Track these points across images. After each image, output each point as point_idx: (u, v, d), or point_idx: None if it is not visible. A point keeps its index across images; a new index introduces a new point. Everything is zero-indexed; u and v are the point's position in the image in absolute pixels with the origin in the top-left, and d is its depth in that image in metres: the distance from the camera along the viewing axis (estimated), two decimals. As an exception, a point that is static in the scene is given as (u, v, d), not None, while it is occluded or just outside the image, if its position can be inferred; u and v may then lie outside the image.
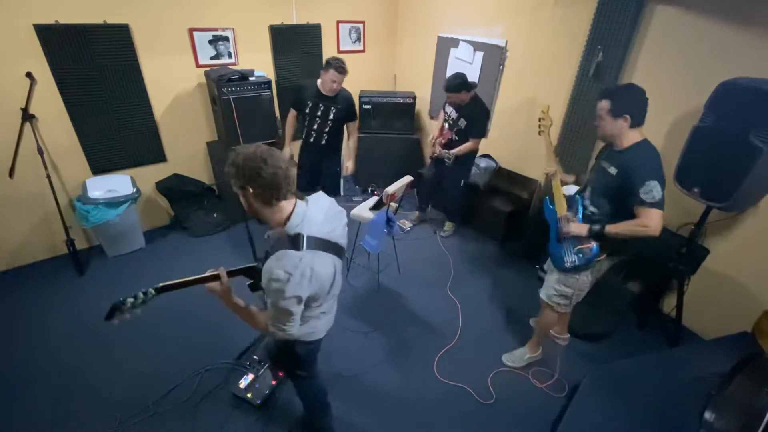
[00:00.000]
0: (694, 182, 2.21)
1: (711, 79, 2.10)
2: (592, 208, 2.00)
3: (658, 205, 1.71)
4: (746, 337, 2.28)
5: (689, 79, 2.44)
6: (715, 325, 2.60)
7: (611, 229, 1.85)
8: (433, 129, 3.54)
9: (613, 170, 1.87)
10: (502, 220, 3.59)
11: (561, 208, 2.09)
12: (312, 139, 3.17)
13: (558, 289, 2.15)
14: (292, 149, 3.30)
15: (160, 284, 1.33)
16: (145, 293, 1.30)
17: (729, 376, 1.87)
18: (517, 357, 2.50)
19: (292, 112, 3.21)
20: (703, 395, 1.84)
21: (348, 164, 3.35)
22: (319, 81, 2.99)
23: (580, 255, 1.96)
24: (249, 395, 2.15)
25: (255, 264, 1.47)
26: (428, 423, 2.14)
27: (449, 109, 3.35)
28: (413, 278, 3.24)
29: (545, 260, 2.34)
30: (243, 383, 2.20)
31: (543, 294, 2.25)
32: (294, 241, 1.26)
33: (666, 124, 2.61)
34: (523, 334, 2.70)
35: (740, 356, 1.96)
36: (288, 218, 1.30)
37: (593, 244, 1.92)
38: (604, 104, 1.83)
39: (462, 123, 3.26)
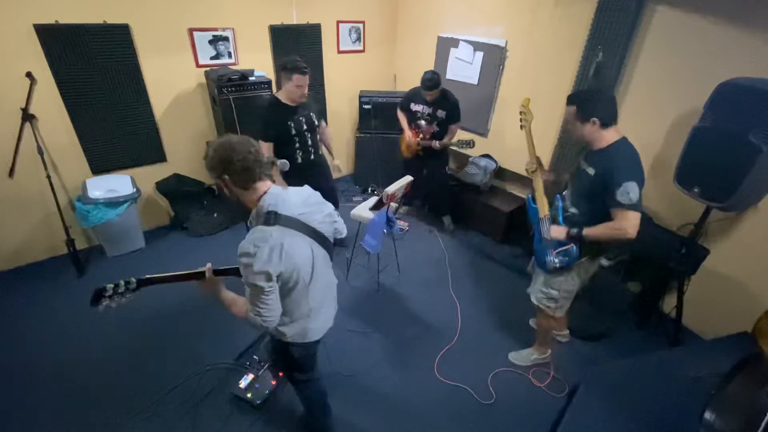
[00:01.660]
0: (694, 182, 2.20)
1: (711, 79, 2.10)
2: (572, 209, 1.97)
3: (635, 207, 1.67)
4: (746, 337, 2.28)
5: (689, 79, 2.44)
6: (715, 325, 2.60)
7: (589, 232, 1.82)
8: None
9: (591, 171, 1.83)
10: (502, 220, 3.60)
11: (543, 208, 2.05)
12: (312, 156, 2.82)
13: (545, 291, 2.14)
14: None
15: (146, 276, 1.37)
16: (127, 282, 1.34)
17: (729, 376, 1.87)
18: (524, 356, 2.50)
19: (269, 146, 2.58)
20: (703, 395, 1.84)
21: (336, 163, 3.00)
22: (280, 94, 2.56)
23: (561, 257, 1.94)
24: (249, 395, 2.15)
25: None
26: (428, 423, 2.14)
27: (419, 107, 3.45)
28: (413, 278, 3.24)
29: (531, 257, 2.34)
30: (243, 383, 2.20)
31: (533, 297, 2.25)
32: (266, 218, 1.30)
33: (666, 124, 2.61)
34: (523, 333, 2.70)
35: (740, 356, 1.96)
36: (261, 197, 1.34)
37: (573, 246, 1.90)
38: (570, 110, 1.81)
39: (441, 114, 3.38)
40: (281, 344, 1.55)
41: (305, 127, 2.68)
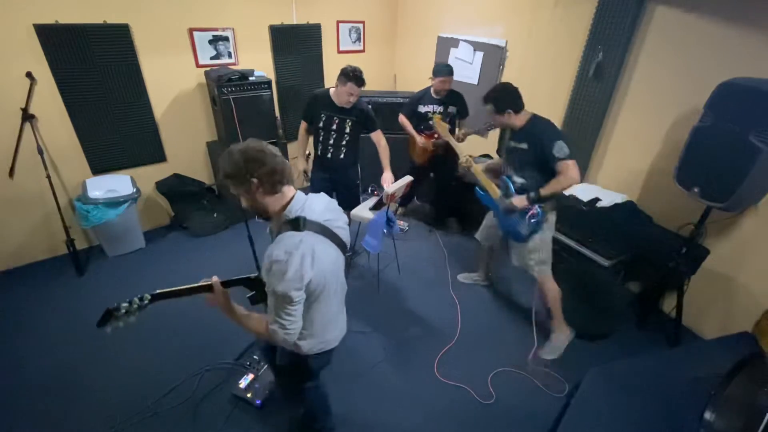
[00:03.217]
0: (694, 182, 2.20)
1: (711, 79, 2.10)
2: (519, 180, 2.31)
3: (570, 156, 2.06)
4: (746, 337, 2.28)
5: (689, 79, 2.44)
6: (715, 325, 2.60)
7: (544, 191, 2.16)
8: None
9: (524, 146, 2.22)
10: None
11: (494, 191, 2.43)
12: (330, 155, 2.88)
13: (533, 257, 2.37)
14: (306, 164, 3.05)
15: (158, 291, 1.31)
16: (140, 299, 1.28)
17: (729, 376, 1.87)
18: (555, 347, 2.52)
19: (304, 125, 2.91)
20: (703, 395, 1.84)
21: (386, 175, 2.89)
22: (332, 91, 2.72)
23: (532, 221, 2.26)
24: (249, 395, 2.16)
25: (254, 275, 1.45)
26: (428, 423, 2.14)
27: (429, 107, 3.38)
28: (413, 278, 3.24)
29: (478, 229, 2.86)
30: (243, 383, 2.21)
31: (531, 271, 2.43)
32: (294, 224, 1.27)
33: (666, 124, 2.61)
34: (522, 333, 2.70)
35: (740, 356, 1.96)
36: (288, 203, 1.31)
37: (536, 208, 2.24)
38: (489, 108, 2.24)
39: (452, 110, 3.36)
40: (298, 359, 1.51)
41: (334, 126, 2.80)
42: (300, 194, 1.35)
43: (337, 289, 1.46)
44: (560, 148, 2.06)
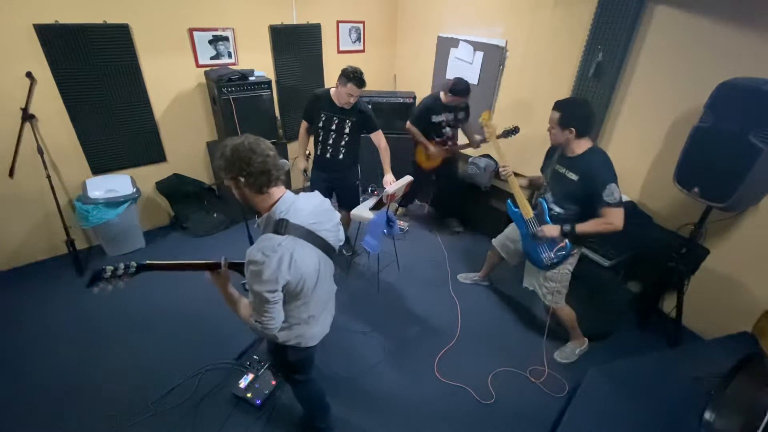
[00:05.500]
0: (694, 182, 2.21)
1: (711, 79, 2.11)
2: (557, 209, 2.17)
3: (620, 203, 1.92)
4: (746, 337, 2.28)
5: (689, 79, 2.44)
6: (715, 325, 2.60)
7: (581, 228, 2.03)
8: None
9: (573, 176, 2.04)
10: (503, 220, 3.59)
11: (526, 211, 2.29)
12: (329, 155, 2.89)
13: (548, 286, 2.29)
14: (306, 163, 3.04)
15: (146, 261, 1.38)
16: (126, 266, 1.35)
17: (729, 376, 1.87)
18: (568, 353, 2.54)
19: (304, 124, 2.91)
20: (703, 395, 1.84)
21: (387, 177, 2.88)
22: (332, 91, 2.71)
23: (559, 253, 2.15)
24: (249, 395, 2.16)
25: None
26: (428, 423, 2.14)
27: (442, 117, 3.36)
28: (413, 278, 3.24)
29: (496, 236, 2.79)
30: (243, 383, 2.21)
31: (544, 300, 2.36)
32: (277, 226, 1.28)
33: (666, 124, 2.61)
34: (522, 333, 2.70)
35: (740, 356, 1.96)
36: (274, 204, 1.32)
37: (566, 242, 2.12)
38: (554, 115, 2.03)
39: (462, 116, 3.41)
40: (277, 347, 1.54)
41: (333, 127, 2.80)
42: (288, 195, 1.35)
43: (319, 291, 1.46)
44: (611, 192, 1.89)
